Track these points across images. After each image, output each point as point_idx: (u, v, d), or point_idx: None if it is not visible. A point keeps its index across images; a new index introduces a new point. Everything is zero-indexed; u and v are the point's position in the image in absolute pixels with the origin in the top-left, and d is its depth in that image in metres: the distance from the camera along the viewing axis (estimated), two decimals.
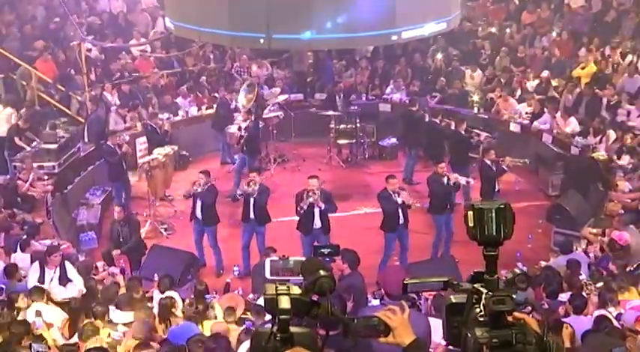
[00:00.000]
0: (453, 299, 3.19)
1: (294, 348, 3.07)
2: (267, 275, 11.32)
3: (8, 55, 18.61)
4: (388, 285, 5.80)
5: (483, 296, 3.05)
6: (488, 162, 14.50)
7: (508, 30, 22.32)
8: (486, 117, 18.50)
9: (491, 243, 3.09)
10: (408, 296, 8.90)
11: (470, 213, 3.09)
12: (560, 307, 9.82)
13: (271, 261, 11.02)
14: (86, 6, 22.31)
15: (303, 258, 10.79)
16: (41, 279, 11.20)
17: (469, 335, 3.04)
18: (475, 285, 3.12)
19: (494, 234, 3.05)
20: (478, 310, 3.06)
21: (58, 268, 11.35)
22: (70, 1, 18.82)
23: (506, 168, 14.66)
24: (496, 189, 14.46)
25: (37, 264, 11.45)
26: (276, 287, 3.15)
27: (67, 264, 11.51)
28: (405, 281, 3.41)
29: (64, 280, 11.28)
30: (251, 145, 16.65)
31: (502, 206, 3.07)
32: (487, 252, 3.10)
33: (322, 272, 3.23)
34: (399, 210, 12.92)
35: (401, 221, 13.01)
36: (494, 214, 3.05)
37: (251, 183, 13.20)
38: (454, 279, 3.30)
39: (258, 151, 17.23)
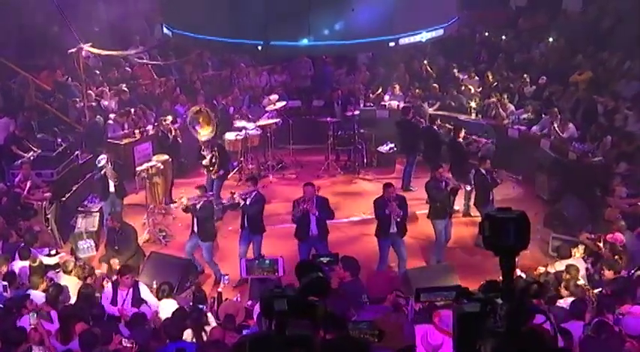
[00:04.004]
0: (466, 308, 3.16)
1: (292, 350, 3.07)
2: (244, 274, 11.36)
3: (6, 62, 18.64)
4: (373, 290, 5.82)
5: (499, 306, 3.03)
6: (483, 171, 14.51)
7: (504, 36, 22.37)
8: (484, 123, 18.52)
9: (508, 253, 3.08)
10: (394, 302, 8.88)
11: (486, 222, 3.08)
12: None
13: (247, 260, 11.07)
14: (84, 13, 22.31)
15: (279, 258, 10.84)
16: (114, 301, 11.05)
17: (484, 346, 3.02)
18: (489, 295, 3.10)
19: (511, 243, 3.04)
20: (493, 320, 3.04)
21: (130, 289, 11.15)
22: (69, 8, 18.79)
23: (499, 181, 14.68)
24: (491, 198, 14.45)
25: (109, 285, 11.34)
26: (272, 289, 3.15)
27: (141, 285, 11.32)
28: (417, 290, 3.42)
29: (136, 302, 11.08)
30: (221, 169, 16.20)
31: (519, 215, 3.06)
32: (504, 261, 3.08)
33: (317, 274, 3.23)
34: (391, 218, 12.93)
35: (393, 229, 13.01)
36: (511, 224, 3.04)
37: (235, 195, 13.27)
38: (467, 288, 3.28)
39: (227, 174, 16.69)
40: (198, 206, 13.27)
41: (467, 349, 3.10)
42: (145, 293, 11.25)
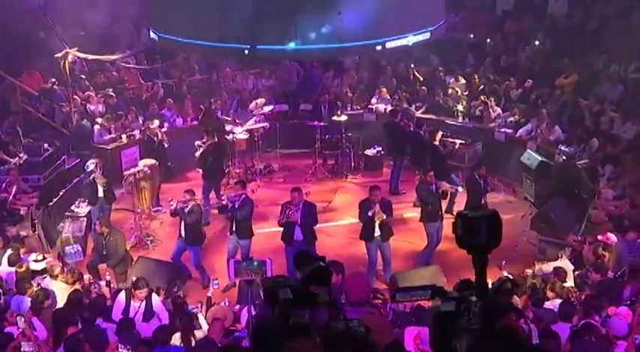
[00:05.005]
0: (441, 308, 3.18)
1: (297, 339, 3.08)
2: (232, 275, 11.37)
3: None
4: (350, 292, 5.88)
5: (473, 304, 3.05)
6: (477, 176, 14.54)
7: (488, 40, 22.44)
8: (471, 126, 18.58)
9: (480, 251, 3.10)
10: (371, 304, 8.91)
11: (459, 221, 3.10)
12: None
13: (235, 261, 11.09)
14: (70, 18, 22.27)
15: (267, 259, 10.89)
16: (126, 312, 10.89)
17: (459, 344, 3.04)
18: (464, 293, 3.12)
19: (483, 241, 3.06)
20: (467, 318, 3.06)
21: (143, 302, 10.94)
22: (55, 13, 18.75)
23: (489, 189, 14.75)
24: (482, 203, 14.45)
25: (123, 294, 11.19)
26: (275, 278, 3.16)
27: (154, 297, 11.09)
28: (394, 290, 3.43)
29: (148, 314, 10.90)
30: (210, 169, 16.35)
31: (490, 214, 3.08)
32: (476, 259, 3.10)
33: (319, 263, 3.23)
34: (374, 222, 13.00)
35: (376, 233, 13.08)
36: (483, 222, 3.06)
37: (224, 197, 13.25)
38: (442, 287, 3.30)
39: (220, 176, 16.70)
40: (186, 210, 13.25)
41: (443, 347, 3.12)
42: (158, 306, 11.05)
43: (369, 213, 12.92)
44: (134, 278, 11.69)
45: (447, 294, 3.20)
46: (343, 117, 18.50)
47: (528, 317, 9.65)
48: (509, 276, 11.22)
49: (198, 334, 9.85)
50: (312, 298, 3.16)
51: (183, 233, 13.43)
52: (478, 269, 3.10)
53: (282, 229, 13.21)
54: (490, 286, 3.17)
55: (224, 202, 13.32)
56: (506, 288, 3.14)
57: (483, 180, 14.65)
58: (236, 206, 13.22)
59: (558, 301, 10.36)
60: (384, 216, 12.93)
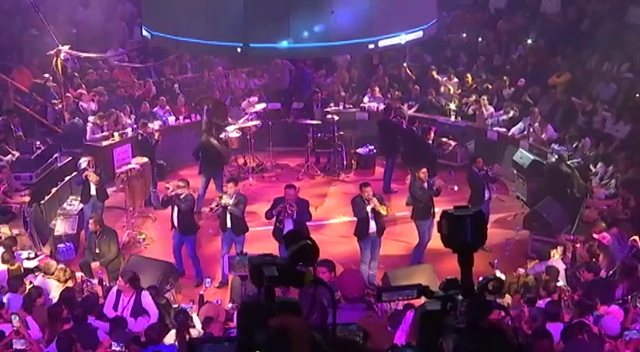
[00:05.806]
0: (427, 306, 3.18)
1: (284, 316, 3.07)
2: (226, 270, 11.35)
3: None
4: (345, 289, 5.89)
5: (459, 302, 3.05)
6: (476, 170, 14.53)
7: (480, 38, 22.45)
8: (463, 125, 18.61)
9: (466, 250, 3.11)
10: (364, 300, 8.94)
11: (444, 220, 3.11)
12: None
13: (230, 257, 11.09)
14: (63, 15, 22.23)
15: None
16: (115, 307, 10.84)
17: (446, 343, 3.04)
18: (450, 292, 3.12)
19: (468, 241, 3.07)
20: (453, 317, 3.06)
21: (132, 297, 10.84)
22: (47, 10, 18.69)
23: (491, 175, 14.70)
24: (486, 197, 14.49)
25: (114, 289, 11.12)
26: (261, 257, 3.16)
27: (144, 294, 10.93)
28: (380, 290, 3.41)
29: (137, 310, 10.77)
30: (201, 164, 16.51)
31: (475, 213, 3.08)
32: (462, 258, 3.11)
33: (306, 242, 3.23)
34: (369, 218, 12.98)
35: (372, 229, 13.06)
36: (468, 221, 3.07)
37: (224, 197, 13.20)
38: (427, 287, 3.30)
39: (211, 172, 16.54)
40: (181, 197, 13.28)
41: (430, 346, 3.12)
42: (147, 302, 10.93)
43: (368, 208, 12.90)
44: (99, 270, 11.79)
45: (433, 293, 3.20)
46: (335, 117, 18.53)
47: (523, 316, 9.67)
48: (502, 276, 11.23)
49: (193, 332, 9.84)
50: (298, 277, 3.15)
51: (176, 222, 13.46)
52: (464, 268, 3.11)
53: (274, 228, 13.22)
54: (477, 285, 3.17)
55: (215, 205, 13.31)
56: (493, 287, 3.13)
57: (484, 172, 14.61)
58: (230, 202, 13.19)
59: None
60: (383, 207, 12.94)
